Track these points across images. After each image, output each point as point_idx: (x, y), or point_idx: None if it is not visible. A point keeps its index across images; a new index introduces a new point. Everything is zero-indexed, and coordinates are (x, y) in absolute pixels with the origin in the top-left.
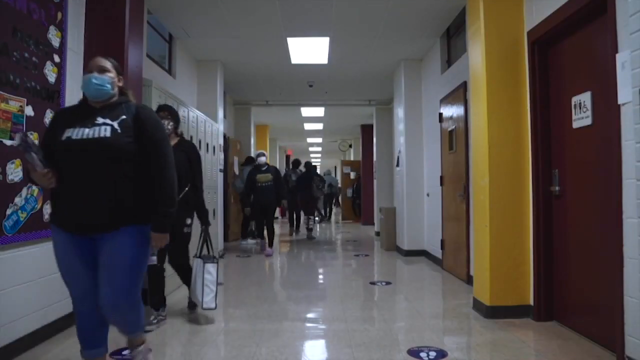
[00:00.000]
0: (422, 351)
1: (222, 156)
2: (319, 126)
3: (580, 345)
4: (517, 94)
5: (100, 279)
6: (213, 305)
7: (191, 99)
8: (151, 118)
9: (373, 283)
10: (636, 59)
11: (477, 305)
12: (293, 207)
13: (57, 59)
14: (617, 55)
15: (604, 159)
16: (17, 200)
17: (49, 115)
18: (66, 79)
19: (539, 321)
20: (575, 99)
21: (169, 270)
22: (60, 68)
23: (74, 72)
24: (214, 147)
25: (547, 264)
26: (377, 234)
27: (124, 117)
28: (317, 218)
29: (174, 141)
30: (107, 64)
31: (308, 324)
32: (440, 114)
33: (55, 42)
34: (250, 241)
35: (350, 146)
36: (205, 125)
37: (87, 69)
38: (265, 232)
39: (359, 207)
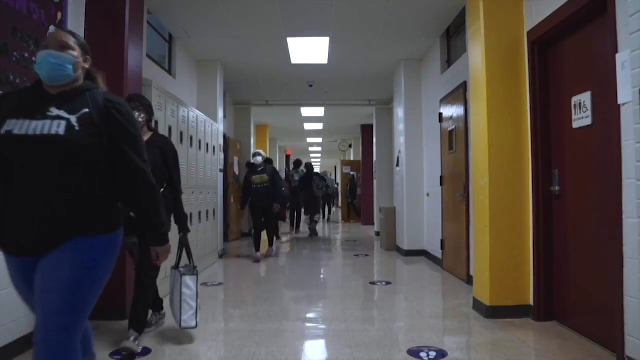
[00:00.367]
0: (422, 351)
1: (222, 156)
2: (319, 126)
3: (580, 345)
4: (517, 94)
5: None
6: (193, 324)
7: (191, 99)
8: (123, 112)
9: (373, 283)
10: (636, 59)
11: (477, 305)
12: (294, 207)
13: None
14: (617, 55)
15: (604, 159)
16: None
17: None
18: None
19: (539, 321)
20: (575, 99)
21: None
22: None
23: None
24: (214, 147)
25: (547, 264)
26: (377, 234)
27: (86, 110)
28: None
29: (146, 136)
30: (70, 39)
31: (308, 324)
32: (440, 114)
33: None
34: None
35: (350, 146)
36: (205, 125)
37: (44, 43)
38: (264, 234)
39: (354, 208)
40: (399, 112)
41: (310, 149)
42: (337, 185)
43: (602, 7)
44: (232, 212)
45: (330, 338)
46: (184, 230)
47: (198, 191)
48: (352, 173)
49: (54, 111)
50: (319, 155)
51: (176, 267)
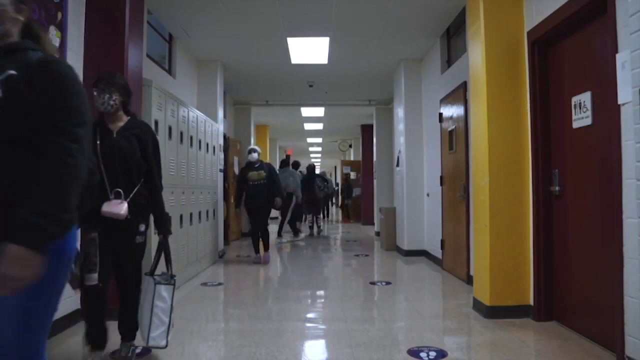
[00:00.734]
0: (422, 351)
1: (222, 156)
2: (319, 126)
3: (580, 345)
4: (517, 94)
5: None
6: (163, 343)
7: (191, 99)
8: (57, 76)
9: (373, 283)
10: (636, 59)
11: (477, 305)
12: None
13: None
14: (617, 55)
15: (604, 159)
16: None
17: None
18: None
19: (539, 321)
20: (575, 99)
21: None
22: None
23: None
24: (214, 147)
25: (547, 264)
26: (377, 234)
27: (11, 72)
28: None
29: (121, 121)
30: None
31: (308, 324)
32: (440, 114)
33: (55, 42)
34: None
35: (350, 146)
36: (205, 125)
37: None
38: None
39: (347, 208)
40: (399, 112)
41: (310, 149)
42: (337, 185)
43: (602, 7)
44: (232, 212)
45: (330, 338)
46: (163, 231)
47: (198, 191)
48: (345, 172)
49: None
50: (319, 155)
51: (151, 273)
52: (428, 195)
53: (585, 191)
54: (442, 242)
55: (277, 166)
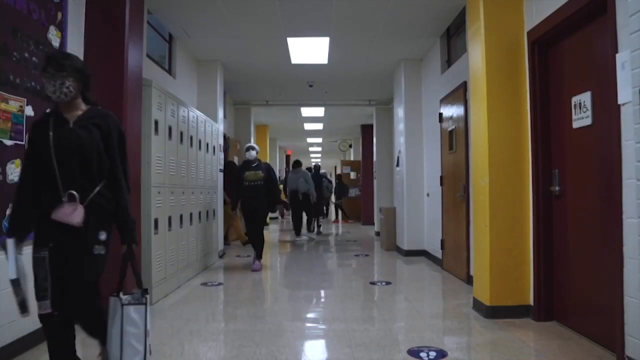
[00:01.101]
0: (422, 351)
1: (222, 156)
2: (319, 126)
3: (580, 345)
4: (517, 94)
5: None
6: None
7: (191, 99)
8: None
9: (373, 283)
10: (636, 59)
11: (477, 305)
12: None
13: None
14: (617, 55)
15: (604, 159)
16: None
17: None
18: None
19: (539, 321)
20: (575, 99)
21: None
22: None
23: None
24: (214, 147)
25: (547, 264)
26: (377, 234)
27: None
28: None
29: (78, 110)
30: None
31: (308, 324)
32: (440, 114)
33: (55, 42)
34: (307, 234)
35: (350, 146)
36: (205, 125)
37: None
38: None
39: (341, 208)
40: (399, 112)
41: (310, 149)
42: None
43: (602, 7)
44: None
45: (330, 338)
46: (128, 241)
47: (198, 191)
48: (339, 174)
49: None
50: (319, 155)
51: (117, 293)
52: (428, 195)
53: (585, 191)
54: (442, 242)
55: (274, 167)
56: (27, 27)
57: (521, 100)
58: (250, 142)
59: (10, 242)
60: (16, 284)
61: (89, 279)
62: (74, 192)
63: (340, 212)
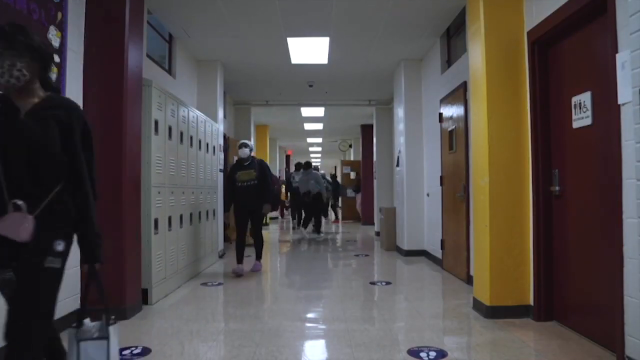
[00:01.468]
0: (422, 351)
1: (222, 156)
2: (319, 126)
3: (580, 345)
4: (517, 94)
5: None
6: None
7: (191, 99)
8: None
9: (373, 283)
10: (636, 59)
11: (477, 305)
12: (297, 206)
13: (57, 59)
14: (617, 55)
15: (604, 159)
16: None
17: None
18: (66, 78)
19: (539, 321)
20: (575, 99)
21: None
22: (60, 68)
23: (74, 72)
24: (214, 147)
25: (547, 264)
26: (377, 234)
27: None
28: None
29: (33, 97)
30: None
31: (308, 324)
32: (440, 114)
33: (55, 42)
34: (312, 234)
35: (350, 146)
36: (205, 125)
37: None
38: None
39: (333, 210)
40: (399, 112)
41: (310, 149)
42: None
43: (602, 7)
44: (232, 212)
45: (330, 338)
46: (91, 258)
47: (198, 191)
48: (332, 173)
49: None
50: (319, 155)
51: (77, 324)
52: (428, 195)
53: (585, 191)
54: (442, 242)
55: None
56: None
57: (521, 100)
58: (250, 142)
59: None
60: None
61: (34, 299)
62: (19, 202)
63: (332, 213)
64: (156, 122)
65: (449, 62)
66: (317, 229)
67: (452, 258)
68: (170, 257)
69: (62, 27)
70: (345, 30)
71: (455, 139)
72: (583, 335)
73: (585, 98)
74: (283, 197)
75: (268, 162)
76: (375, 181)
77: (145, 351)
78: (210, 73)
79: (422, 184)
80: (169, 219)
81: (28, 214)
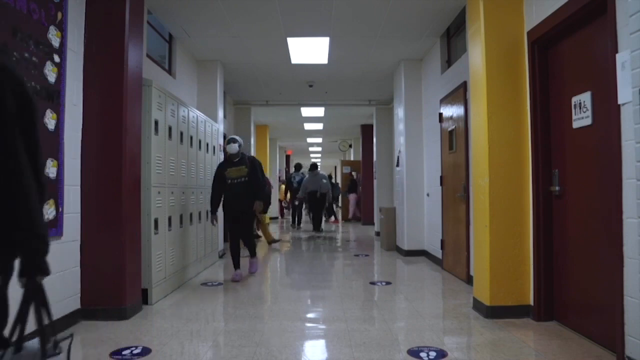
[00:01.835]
0: (422, 351)
1: (222, 156)
2: (319, 126)
3: (580, 345)
4: (517, 94)
5: None
6: None
7: (191, 99)
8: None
9: (373, 283)
10: (636, 59)
11: (477, 305)
12: (297, 205)
13: (57, 59)
14: (617, 55)
15: (604, 159)
16: None
17: (49, 115)
18: (66, 78)
19: (539, 321)
20: (575, 99)
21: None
22: (60, 68)
23: (74, 72)
24: (214, 147)
25: (547, 263)
26: (377, 234)
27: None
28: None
29: None
30: None
31: (308, 324)
32: (440, 114)
33: (55, 42)
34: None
35: (350, 146)
36: (205, 125)
37: None
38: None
39: (329, 213)
40: (399, 112)
41: (310, 149)
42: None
43: (602, 7)
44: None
45: (330, 338)
46: (29, 270)
47: (198, 191)
48: (328, 173)
49: None
50: (319, 155)
51: (16, 343)
52: (428, 195)
53: (585, 191)
54: (442, 242)
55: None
56: (27, 27)
57: (521, 100)
58: (250, 142)
59: None
60: None
61: None
62: None
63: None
64: (156, 122)
65: (449, 62)
66: (321, 224)
67: (452, 258)
68: (170, 257)
69: (62, 27)
70: (345, 30)
71: (455, 139)
72: (583, 335)
73: (585, 98)
74: (282, 197)
75: (268, 162)
76: (375, 181)
77: (145, 351)
78: (210, 73)
79: (422, 184)
80: (169, 219)
81: None
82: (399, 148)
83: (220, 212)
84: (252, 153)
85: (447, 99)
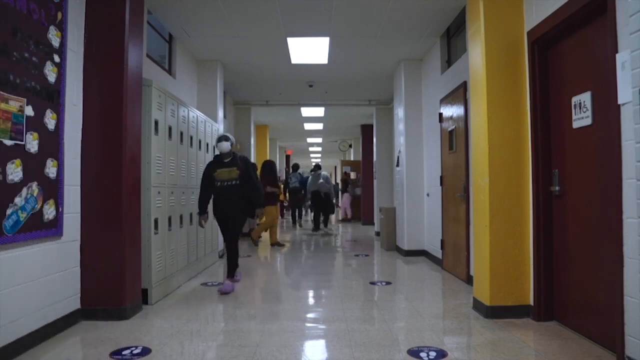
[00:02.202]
0: (422, 351)
1: None
2: (319, 126)
3: (580, 345)
4: (517, 94)
5: None
6: None
7: (191, 99)
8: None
9: (373, 283)
10: (636, 59)
11: (477, 305)
12: (297, 205)
13: (57, 59)
14: (617, 55)
15: (604, 159)
16: (17, 200)
17: (49, 115)
18: (66, 78)
19: (539, 321)
20: (575, 99)
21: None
22: (60, 68)
23: (74, 72)
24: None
25: (547, 263)
26: (377, 234)
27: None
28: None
29: None
30: None
31: (308, 324)
32: (440, 114)
33: (55, 42)
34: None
35: (350, 146)
36: (205, 125)
37: None
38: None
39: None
40: (399, 112)
41: (310, 149)
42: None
43: (602, 7)
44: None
45: (330, 338)
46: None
47: (198, 191)
48: (325, 173)
49: None
50: (319, 155)
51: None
52: (428, 195)
53: (585, 191)
54: (442, 242)
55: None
56: (27, 27)
57: (521, 100)
58: (250, 142)
59: None
60: None
61: None
62: None
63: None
64: (156, 122)
65: (449, 62)
66: (323, 223)
67: (452, 258)
68: (170, 257)
69: (62, 27)
70: (345, 30)
71: (455, 139)
72: (583, 335)
73: (585, 98)
74: (282, 197)
75: (245, 156)
76: (375, 181)
77: (145, 351)
78: (210, 73)
79: (422, 184)
80: (169, 219)
81: None
82: (399, 148)
83: (210, 212)
84: (252, 153)
85: (447, 99)
